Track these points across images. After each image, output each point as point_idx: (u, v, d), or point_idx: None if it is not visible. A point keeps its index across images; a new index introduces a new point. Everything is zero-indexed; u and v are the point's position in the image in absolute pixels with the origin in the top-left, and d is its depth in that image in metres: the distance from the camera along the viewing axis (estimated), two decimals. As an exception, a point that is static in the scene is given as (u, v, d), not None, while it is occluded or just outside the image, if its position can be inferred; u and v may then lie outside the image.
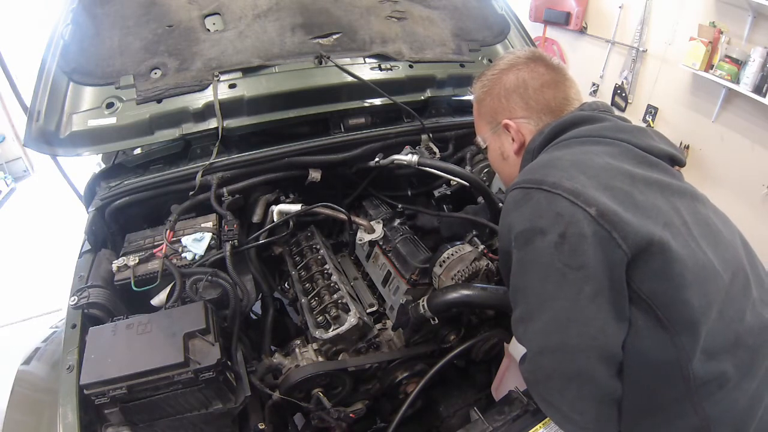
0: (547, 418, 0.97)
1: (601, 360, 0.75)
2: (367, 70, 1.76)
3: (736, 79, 3.16)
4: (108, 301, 1.19)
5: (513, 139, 1.03)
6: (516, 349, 1.11)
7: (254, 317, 1.58)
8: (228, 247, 1.34)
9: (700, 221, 0.85)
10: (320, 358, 1.27)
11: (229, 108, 1.57)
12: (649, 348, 0.76)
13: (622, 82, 4.34)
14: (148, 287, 1.25)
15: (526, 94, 1.01)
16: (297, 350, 1.30)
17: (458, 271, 1.27)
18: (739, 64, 3.15)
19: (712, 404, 0.75)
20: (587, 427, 0.79)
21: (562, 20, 4.72)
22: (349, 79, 1.66)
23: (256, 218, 1.58)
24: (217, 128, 1.54)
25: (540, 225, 0.77)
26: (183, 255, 1.33)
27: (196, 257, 1.33)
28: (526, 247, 0.79)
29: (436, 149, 1.77)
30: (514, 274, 0.83)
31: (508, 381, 1.21)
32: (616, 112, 1.02)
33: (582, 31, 4.69)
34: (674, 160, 0.94)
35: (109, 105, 1.49)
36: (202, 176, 1.48)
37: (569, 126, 0.94)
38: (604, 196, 0.76)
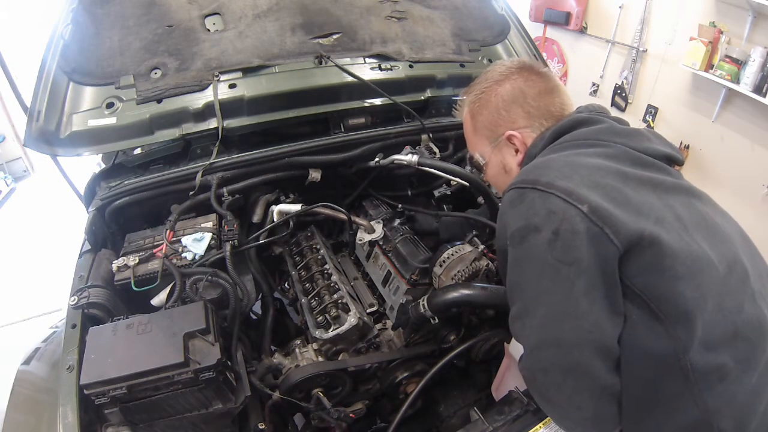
0: (548, 418, 0.97)
1: (597, 354, 0.76)
2: (367, 70, 1.76)
3: (736, 79, 3.15)
4: (108, 301, 1.19)
5: (517, 150, 1.03)
6: (516, 349, 1.11)
7: (254, 317, 1.58)
8: (228, 247, 1.34)
9: (695, 215, 0.86)
10: (320, 358, 1.27)
11: (229, 108, 1.57)
12: (645, 341, 0.77)
13: (622, 82, 4.33)
14: (148, 287, 1.25)
15: (526, 103, 1.01)
16: (297, 350, 1.30)
17: (458, 271, 1.27)
18: (739, 64, 3.14)
19: (713, 397, 0.75)
20: (585, 423, 0.79)
21: (562, 20, 4.71)
22: (349, 79, 1.66)
23: (256, 218, 1.58)
24: (217, 128, 1.54)
25: (534, 222, 0.79)
26: (183, 255, 1.33)
27: (196, 257, 1.33)
28: (521, 244, 0.81)
29: (436, 149, 1.77)
30: (510, 272, 0.85)
31: (508, 381, 1.21)
32: (617, 113, 1.03)
33: (582, 31, 4.69)
34: (672, 160, 0.95)
35: (109, 105, 1.49)
36: (202, 176, 1.48)
37: (569, 128, 0.96)
38: (596, 194, 0.78)
